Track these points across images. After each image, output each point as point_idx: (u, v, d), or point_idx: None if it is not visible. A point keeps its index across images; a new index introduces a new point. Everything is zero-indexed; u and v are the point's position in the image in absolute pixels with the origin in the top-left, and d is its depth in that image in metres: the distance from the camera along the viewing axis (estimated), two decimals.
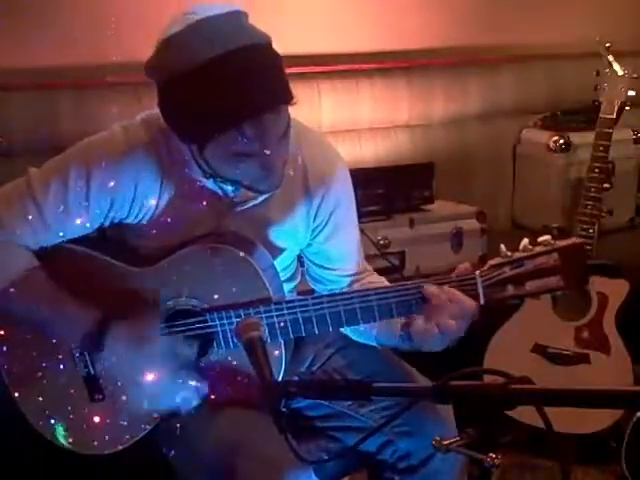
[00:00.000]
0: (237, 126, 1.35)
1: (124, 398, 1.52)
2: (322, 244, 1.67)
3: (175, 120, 1.43)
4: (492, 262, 1.45)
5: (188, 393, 1.48)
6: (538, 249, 1.42)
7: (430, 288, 1.44)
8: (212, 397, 1.52)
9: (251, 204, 1.56)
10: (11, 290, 1.47)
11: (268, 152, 1.40)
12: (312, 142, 1.63)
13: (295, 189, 1.60)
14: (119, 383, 1.53)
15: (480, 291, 1.44)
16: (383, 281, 1.73)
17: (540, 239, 1.43)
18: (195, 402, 1.48)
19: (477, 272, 1.44)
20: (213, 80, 1.33)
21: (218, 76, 1.33)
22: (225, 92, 1.33)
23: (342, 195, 1.65)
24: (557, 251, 1.41)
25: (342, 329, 1.69)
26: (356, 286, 1.70)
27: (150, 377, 1.45)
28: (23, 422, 1.57)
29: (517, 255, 1.43)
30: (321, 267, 1.71)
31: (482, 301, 1.45)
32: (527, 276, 1.42)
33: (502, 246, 1.45)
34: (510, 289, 1.44)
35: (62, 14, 2.61)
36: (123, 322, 1.48)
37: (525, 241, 1.44)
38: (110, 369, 1.51)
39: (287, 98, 1.41)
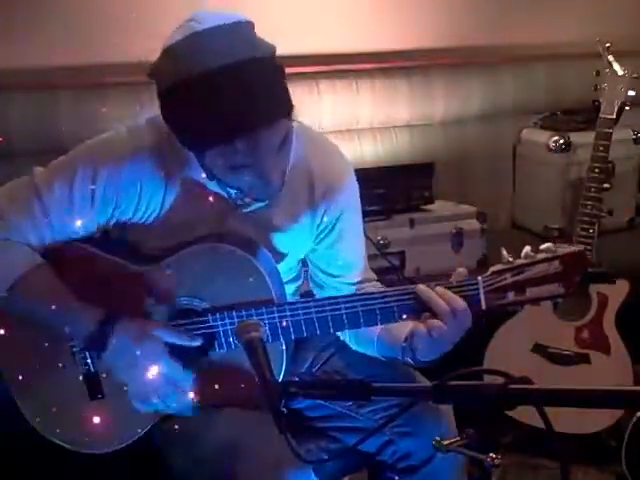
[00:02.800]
0: (229, 141, 1.35)
1: (124, 397, 1.52)
2: (327, 250, 1.66)
3: (172, 128, 1.42)
4: (494, 268, 1.45)
5: (181, 396, 1.47)
6: (540, 256, 1.42)
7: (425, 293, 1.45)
8: (212, 398, 1.51)
9: (255, 207, 1.56)
10: (14, 289, 1.47)
11: (262, 164, 1.39)
12: (320, 150, 1.63)
13: (300, 195, 1.59)
14: (119, 382, 1.52)
15: (482, 297, 1.44)
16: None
17: (542, 246, 1.43)
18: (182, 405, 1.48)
19: (480, 277, 1.45)
20: (206, 95, 1.31)
21: (211, 91, 1.31)
22: (217, 108, 1.32)
23: (348, 204, 1.64)
24: (558, 259, 1.41)
25: (345, 339, 1.71)
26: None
27: (149, 376, 1.45)
28: (22, 421, 1.57)
29: (519, 262, 1.43)
30: (324, 273, 1.70)
31: (484, 306, 1.45)
32: (528, 283, 1.42)
33: (504, 252, 1.45)
34: (511, 295, 1.44)
35: (62, 14, 2.62)
36: (126, 322, 1.48)
37: (527, 248, 1.44)
38: (111, 368, 1.51)
39: (282, 112, 1.39)
